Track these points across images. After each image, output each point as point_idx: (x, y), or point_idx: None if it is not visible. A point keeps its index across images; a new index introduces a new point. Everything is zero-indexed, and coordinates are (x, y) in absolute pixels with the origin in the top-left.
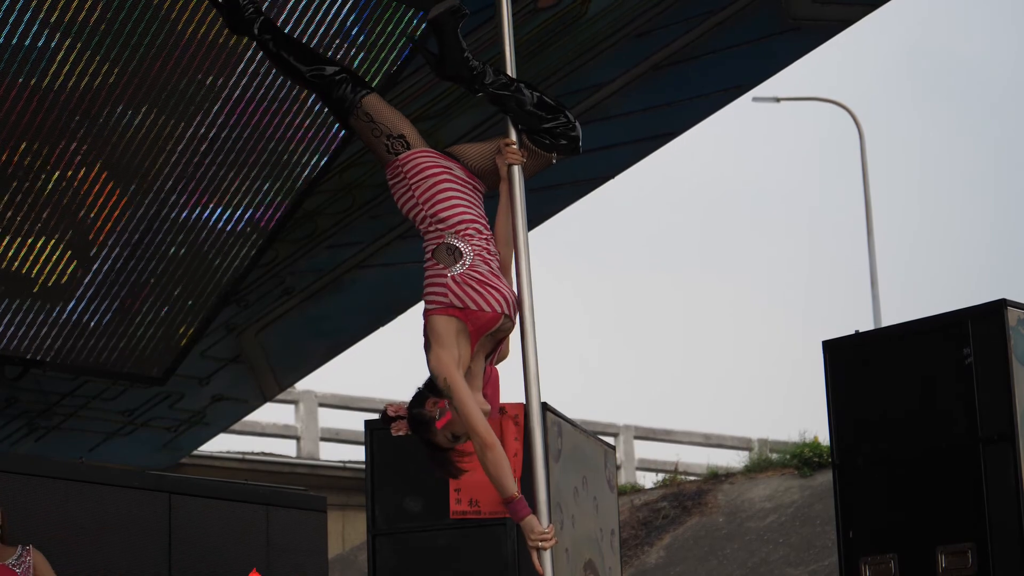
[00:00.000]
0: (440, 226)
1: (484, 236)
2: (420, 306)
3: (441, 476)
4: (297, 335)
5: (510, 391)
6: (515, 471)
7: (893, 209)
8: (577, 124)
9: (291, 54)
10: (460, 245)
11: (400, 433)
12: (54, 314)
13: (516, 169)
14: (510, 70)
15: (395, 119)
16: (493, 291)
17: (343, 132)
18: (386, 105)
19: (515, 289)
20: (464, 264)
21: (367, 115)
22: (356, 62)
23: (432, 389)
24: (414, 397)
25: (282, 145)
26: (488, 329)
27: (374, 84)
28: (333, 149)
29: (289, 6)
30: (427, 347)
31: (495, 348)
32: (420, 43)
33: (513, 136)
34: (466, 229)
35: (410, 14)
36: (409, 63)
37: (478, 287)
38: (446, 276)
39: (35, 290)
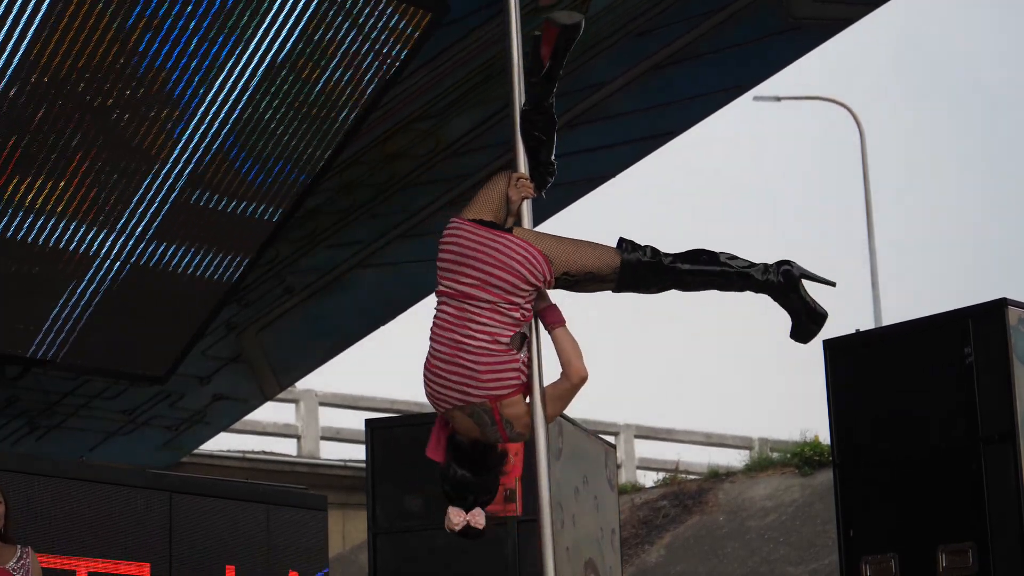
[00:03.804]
0: None
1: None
2: (419, 306)
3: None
4: (297, 334)
5: None
6: (516, 470)
7: (893, 208)
8: None
9: None
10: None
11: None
12: (55, 313)
13: (527, 203)
14: (516, 68)
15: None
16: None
17: (347, 127)
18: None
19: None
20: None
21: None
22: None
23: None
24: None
25: (295, 139)
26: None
27: (382, 82)
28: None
29: (304, 4)
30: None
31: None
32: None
33: (524, 169)
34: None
35: (421, 14)
36: (411, 61)
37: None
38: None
39: (36, 288)
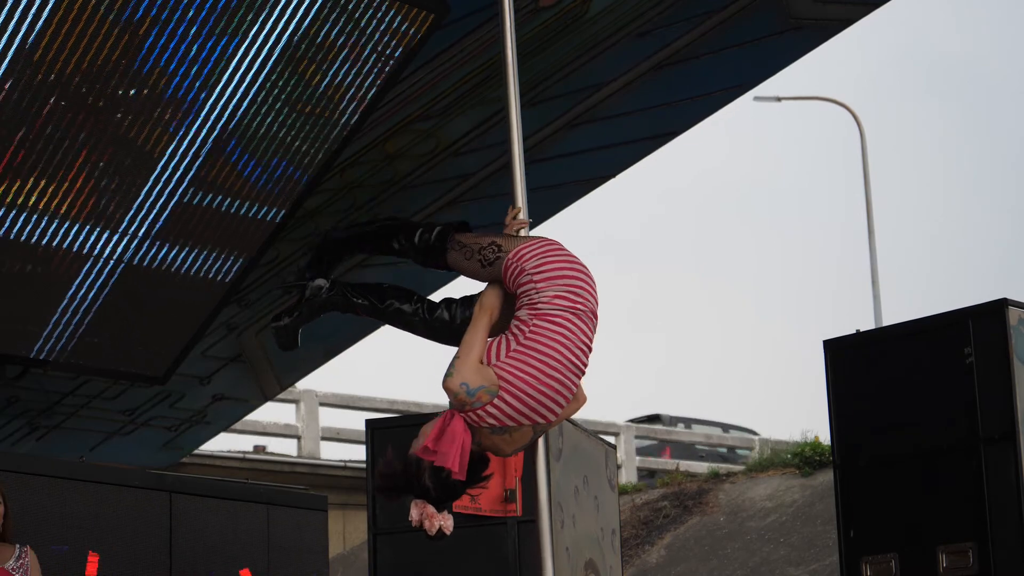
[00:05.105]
0: None
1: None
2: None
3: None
4: None
5: None
6: (516, 470)
7: (894, 209)
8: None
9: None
10: None
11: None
12: (55, 314)
13: (523, 231)
14: (511, 69)
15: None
16: None
17: (348, 127)
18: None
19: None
20: None
21: None
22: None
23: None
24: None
25: (295, 139)
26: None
27: (382, 82)
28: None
29: (304, 4)
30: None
31: None
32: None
33: (521, 203)
34: None
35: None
36: (411, 61)
37: None
38: None
39: (36, 287)
